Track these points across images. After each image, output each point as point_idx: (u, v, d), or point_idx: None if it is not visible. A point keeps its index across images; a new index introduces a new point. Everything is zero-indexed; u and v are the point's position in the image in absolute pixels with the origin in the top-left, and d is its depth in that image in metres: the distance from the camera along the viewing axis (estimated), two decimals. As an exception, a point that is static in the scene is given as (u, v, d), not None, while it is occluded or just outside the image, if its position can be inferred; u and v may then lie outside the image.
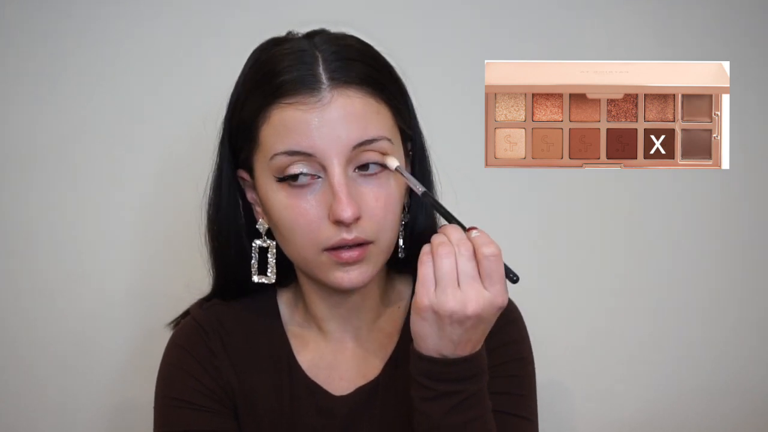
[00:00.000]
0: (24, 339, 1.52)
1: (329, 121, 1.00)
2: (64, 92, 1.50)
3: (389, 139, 1.03)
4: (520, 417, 1.10)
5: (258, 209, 1.10)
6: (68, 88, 1.50)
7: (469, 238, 0.95)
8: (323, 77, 1.01)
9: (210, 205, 1.12)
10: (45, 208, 1.51)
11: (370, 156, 1.02)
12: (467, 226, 0.97)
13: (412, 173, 1.10)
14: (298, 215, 1.02)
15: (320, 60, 1.02)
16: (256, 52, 1.07)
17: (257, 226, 1.10)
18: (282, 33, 1.08)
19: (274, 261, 1.10)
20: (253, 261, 1.11)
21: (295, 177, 1.01)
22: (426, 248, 0.96)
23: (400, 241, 1.10)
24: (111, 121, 1.50)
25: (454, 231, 0.96)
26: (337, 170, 1.00)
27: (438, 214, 1.05)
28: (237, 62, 1.08)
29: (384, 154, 1.02)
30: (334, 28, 1.07)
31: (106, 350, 1.53)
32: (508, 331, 1.11)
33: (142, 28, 1.50)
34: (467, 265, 0.94)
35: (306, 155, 1.00)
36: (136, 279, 1.52)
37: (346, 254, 1.02)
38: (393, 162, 1.02)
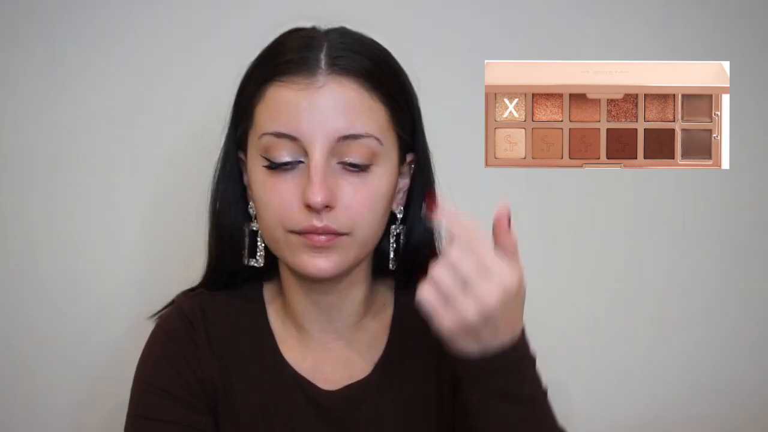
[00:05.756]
0: (24, 338, 1.52)
1: (318, 107, 1.00)
2: (64, 90, 1.49)
3: (378, 139, 1.03)
4: None
5: (250, 192, 1.09)
6: (69, 86, 1.49)
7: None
8: (323, 63, 1.01)
9: (215, 186, 1.13)
10: (45, 207, 1.51)
11: (356, 154, 1.01)
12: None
13: (411, 189, 1.10)
14: (273, 194, 1.02)
15: (325, 47, 1.02)
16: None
17: (249, 209, 1.10)
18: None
19: (263, 244, 1.10)
20: (245, 243, 1.10)
21: (284, 164, 1.01)
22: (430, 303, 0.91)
23: (391, 252, 1.10)
24: (111, 119, 1.50)
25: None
26: (317, 156, 1.00)
27: (436, 232, 1.08)
28: (242, 57, 1.08)
29: (373, 154, 1.02)
30: (335, 25, 1.08)
31: (106, 350, 1.52)
32: None
33: (148, 22, 1.50)
34: (463, 268, 0.89)
35: (291, 138, 1.01)
36: (137, 278, 1.52)
37: (315, 237, 1.01)
38: None
